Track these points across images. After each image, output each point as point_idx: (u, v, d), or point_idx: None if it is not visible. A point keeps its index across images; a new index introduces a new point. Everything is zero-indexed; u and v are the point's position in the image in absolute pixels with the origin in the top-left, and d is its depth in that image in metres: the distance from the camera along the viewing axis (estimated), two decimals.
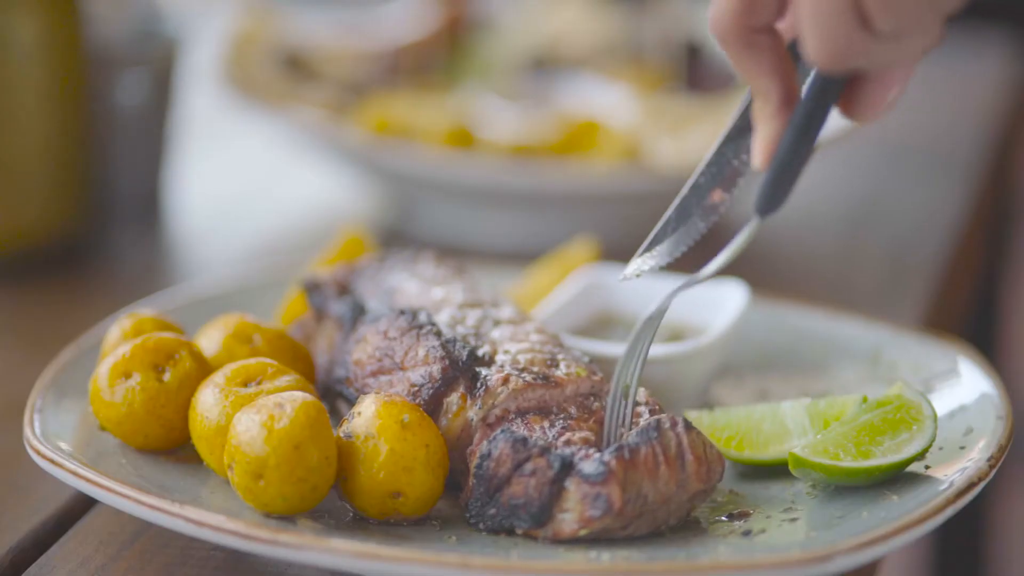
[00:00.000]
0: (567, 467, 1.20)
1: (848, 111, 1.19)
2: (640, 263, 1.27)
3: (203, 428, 1.27)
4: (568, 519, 1.20)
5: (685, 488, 1.22)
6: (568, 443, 1.22)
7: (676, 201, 1.26)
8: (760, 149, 1.20)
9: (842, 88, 1.17)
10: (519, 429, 1.24)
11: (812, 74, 1.17)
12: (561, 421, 1.25)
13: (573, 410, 1.27)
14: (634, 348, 1.25)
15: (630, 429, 1.24)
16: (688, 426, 1.23)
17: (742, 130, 1.25)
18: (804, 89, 1.18)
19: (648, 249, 1.27)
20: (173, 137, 2.10)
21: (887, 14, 1.10)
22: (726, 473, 1.32)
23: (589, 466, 1.20)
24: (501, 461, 1.22)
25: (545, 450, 1.21)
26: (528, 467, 1.21)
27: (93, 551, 1.27)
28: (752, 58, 1.18)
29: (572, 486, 1.20)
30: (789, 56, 1.19)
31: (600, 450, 1.22)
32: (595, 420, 1.26)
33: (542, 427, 1.24)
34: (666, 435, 1.21)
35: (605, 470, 1.19)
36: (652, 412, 1.25)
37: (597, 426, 1.26)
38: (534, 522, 1.21)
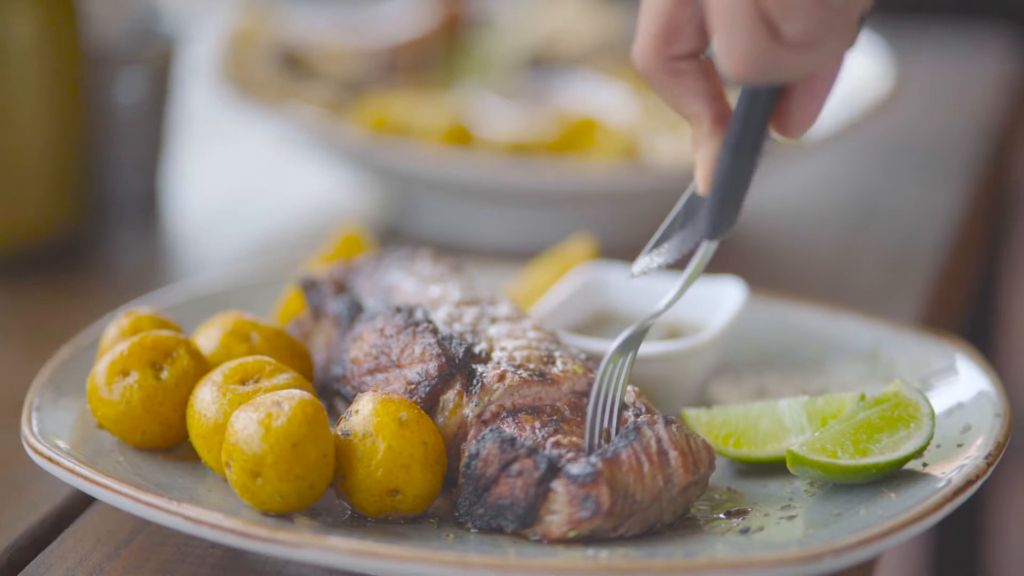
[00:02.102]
0: (553, 468, 1.20)
1: (779, 127, 1.19)
2: (648, 260, 1.27)
3: (201, 426, 1.27)
4: (556, 520, 1.20)
5: (673, 482, 1.22)
6: (557, 445, 1.22)
7: (683, 198, 1.26)
8: (700, 173, 1.21)
9: (772, 102, 1.17)
10: (509, 428, 1.24)
11: (739, 94, 1.17)
12: (553, 422, 1.25)
13: (566, 411, 1.27)
14: (604, 373, 1.25)
15: (615, 434, 1.24)
16: (667, 422, 1.23)
17: None
18: (734, 107, 1.18)
19: (656, 246, 1.27)
20: (171, 135, 2.10)
21: (793, 20, 1.09)
22: (723, 471, 1.32)
23: (577, 467, 1.20)
24: (489, 461, 1.22)
25: (532, 451, 1.22)
26: (515, 468, 1.22)
27: (91, 549, 1.27)
28: (677, 86, 1.19)
29: (560, 487, 1.20)
30: (718, 78, 1.19)
31: (587, 454, 1.22)
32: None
33: (533, 427, 1.24)
34: (644, 435, 1.22)
35: (593, 471, 1.19)
36: (638, 415, 1.25)
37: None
38: (520, 523, 1.21)
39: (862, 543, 1.14)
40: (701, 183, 1.21)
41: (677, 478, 1.22)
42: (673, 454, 1.22)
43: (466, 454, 1.24)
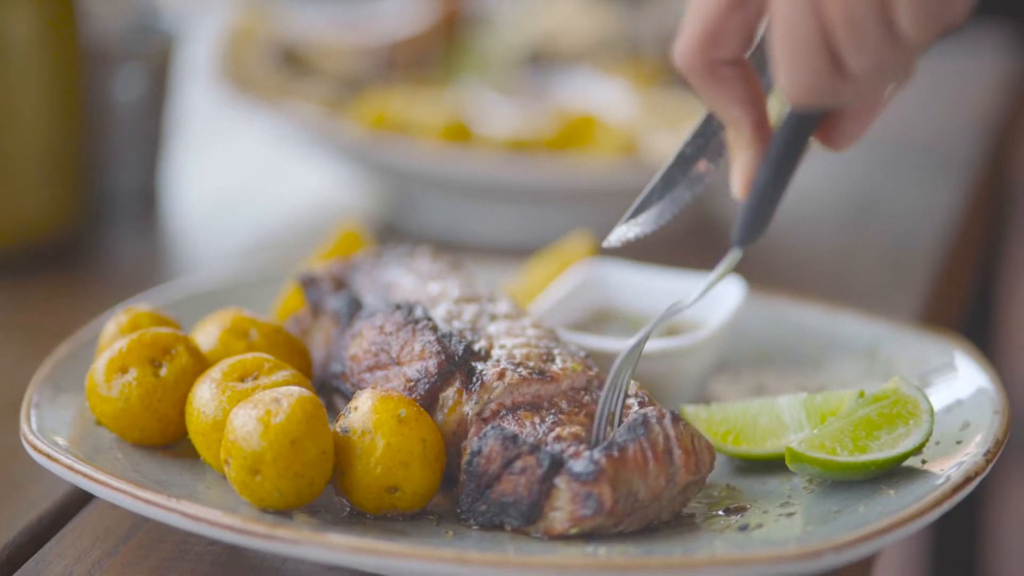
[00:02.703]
0: (556, 465, 1.20)
1: (824, 141, 1.19)
2: (624, 230, 1.27)
3: (200, 423, 1.27)
4: (559, 517, 1.20)
5: (675, 482, 1.22)
6: (558, 438, 1.22)
7: (661, 170, 1.26)
8: (738, 179, 1.20)
9: (819, 120, 1.17)
10: (509, 425, 1.24)
11: (788, 109, 1.17)
12: (551, 416, 1.25)
13: (564, 404, 1.26)
14: (617, 376, 1.25)
15: (619, 423, 1.24)
16: (675, 419, 1.23)
17: None
18: (780, 121, 1.17)
19: (632, 216, 1.27)
20: (169, 133, 2.10)
21: (860, 57, 1.09)
22: (722, 468, 1.32)
23: (579, 465, 1.20)
24: (491, 458, 1.22)
25: (535, 448, 1.21)
26: (518, 465, 1.21)
27: (90, 546, 1.27)
28: (719, 90, 1.18)
29: (563, 484, 1.20)
30: (759, 83, 1.19)
31: (590, 446, 1.22)
32: (585, 414, 1.26)
33: (532, 423, 1.24)
34: (653, 430, 1.21)
35: (595, 469, 1.19)
36: (642, 404, 1.25)
37: (587, 420, 1.26)
38: (524, 520, 1.21)
39: (861, 540, 1.14)
40: (737, 189, 1.20)
41: (679, 478, 1.22)
42: (678, 453, 1.22)
43: (468, 451, 1.24)
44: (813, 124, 1.17)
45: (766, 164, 1.19)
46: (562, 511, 1.20)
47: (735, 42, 1.15)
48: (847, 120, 1.18)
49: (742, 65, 1.18)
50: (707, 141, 1.26)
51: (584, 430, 1.24)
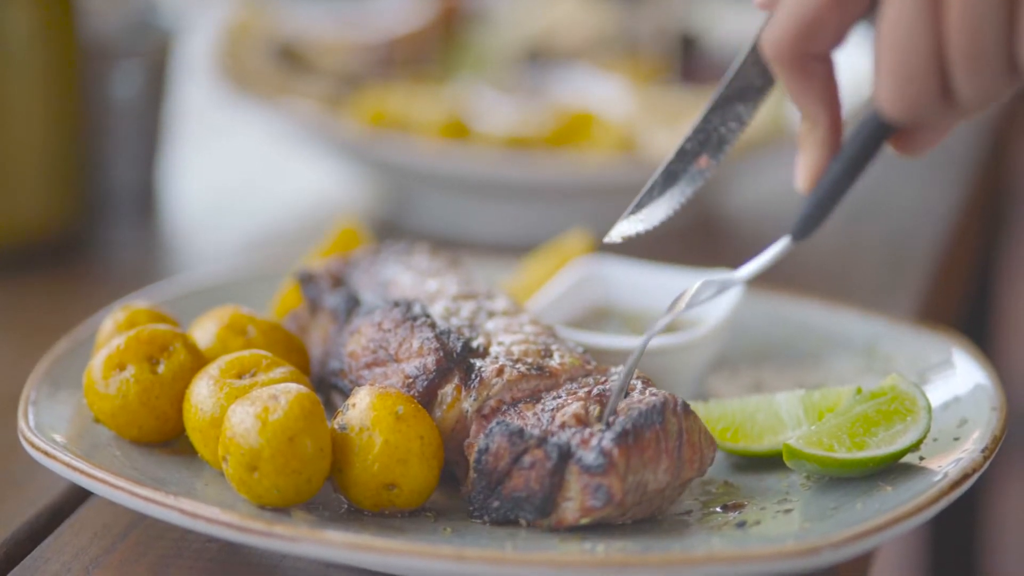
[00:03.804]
0: (565, 456, 1.20)
1: (900, 148, 1.18)
2: (626, 226, 1.27)
3: (197, 420, 1.27)
4: (571, 507, 1.20)
5: (680, 476, 1.22)
6: (563, 425, 1.22)
7: (662, 166, 1.26)
8: (805, 174, 1.19)
9: (898, 127, 1.16)
10: (512, 419, 1.24)
11: (871, 114, 1.15)
12: (552, 401, 1.24)
13: (562, 392, 1.26)
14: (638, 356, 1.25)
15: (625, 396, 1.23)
16: (687, 410, 1.23)
17: (729, 99, 1.25)
18: (861, 122, 1.16)
19: (634, 212, 1.27)
20: (168, 129, 2.10)
21: (974, 85, 1.06)
22: (720, 464, 1.32)
23: (589, 456, 1.19)
24: (499, 455, 1.22)
25: (542, 440, 1.21)
26: (527, 460, 1.21)
27: (87, 543, 1.27)
28: (806, 83, 1.16)
29: (573, 476, 1.20)
30: (838, 84, 1.18)
31: (595, 430, 1.21)
32: (584, 392, 1.26)
33: (534, 412, 1.24)
34: (669, 421, 1.21)
35: (605, 462, 1.19)
36: (645, 383, 1.25)
37: (586, 396, 1.25)
38: (539, 513, 1.21)
39: (859, 536, 1.14)
40: (803, 183, 1.19)
41: (684, 473, 1.22)
42: (686, 448, 1.22)
43: (475, 449, 1.24)
44: (893, 131, 1.16)
45: (838, 163, 1.17)
46: (573, 501, 1.20)
47: (829, 38, 1.13)
48: (928, 130, 1.16)
49: (829, 62, 1.16)
50: (708, 137, 1.26)
51: (583, 407, 1.23)
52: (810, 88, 1.16)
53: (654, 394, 1.23)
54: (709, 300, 1.26)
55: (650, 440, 1.20)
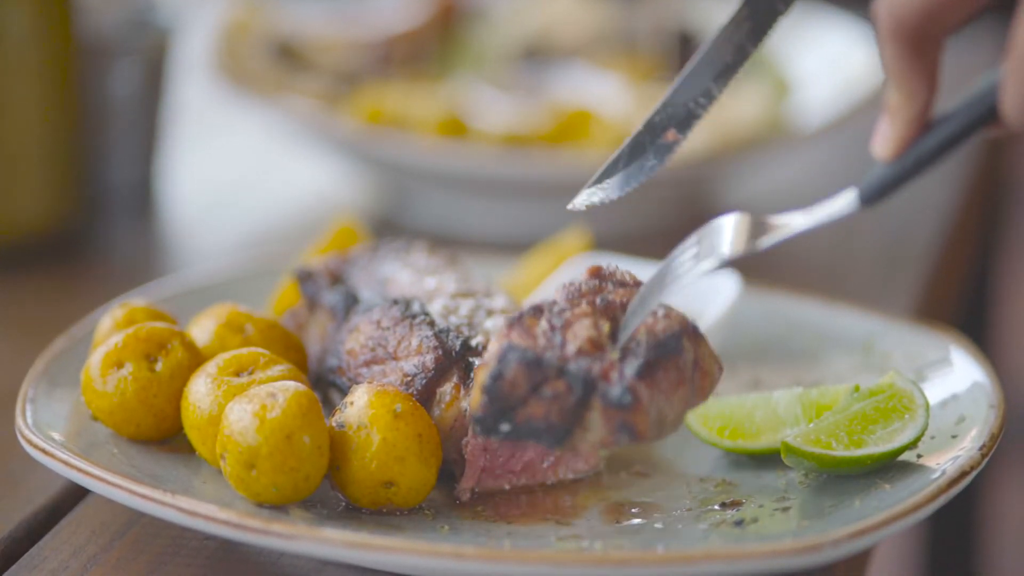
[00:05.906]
0: (590, 391, 1.18)
1: (995, 133, 1.18)
2: (589, 195, 1.28)
3: (195, 418, 1.27)
4: (590, 439, 1.19)
5: (691, 403, 1.22)
6: (579, 352, 1.19)
7: (630, 138, 1.27)
8: (891, 145, 1.18)
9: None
10: (520, 338, 1.21)
11: (977, 101, 1.15)
12: (557, 317, 1.22)
13: (564, 303, 1.23)
14: (653, 286, 1.22)
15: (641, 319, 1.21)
16: (698, 333, 1.22)
17: (700, 74, 1.26)
18: (964, 107, 1.16)
19: (598, 181, 1.27)
20: (165, 127, 2.10)
21: None
22: (718, 462, 1.32)
23: (614, 391, 1.18)
24: (516, 383, 1.19)
25: (561, 371, 1.19)
26: (547, 391, 1.19)
27: (85, 541, 1.27)
28: (916, 62, 1.16)
29: (596, 410, 1.18)
30: (940, 66, 1.18)
31: (613, 359, 1.19)
32: (587, 303, 1.23)
33: (544, 332, 1.21)
34: (686, 348, 1.20)
35: (632, 399, 1.17)
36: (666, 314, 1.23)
37: (591, 309, 1.23)
38: (556, 443, 1.19)
39: (857, 534, 1.14)
40: (886, 152, 1.18)
41: (695, 400, 1.22)
42: (698, 375, 1.21)
43: (487, 372, 1.20)
44: (995, 120, 1.16)
45: (931, 139, 1.17)
46: (594, 433, 1.18)
47: (952, 24, 1.14)
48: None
49: (941, 45, 1.16)
50: (676, 111, 1.26)
51: (594, 325, 1.21)
52: (919, 67, 1.16)
53: (668, 317, 1.22)
54: (750, 244, 1.23)
55: (671, 370, 1.19)
